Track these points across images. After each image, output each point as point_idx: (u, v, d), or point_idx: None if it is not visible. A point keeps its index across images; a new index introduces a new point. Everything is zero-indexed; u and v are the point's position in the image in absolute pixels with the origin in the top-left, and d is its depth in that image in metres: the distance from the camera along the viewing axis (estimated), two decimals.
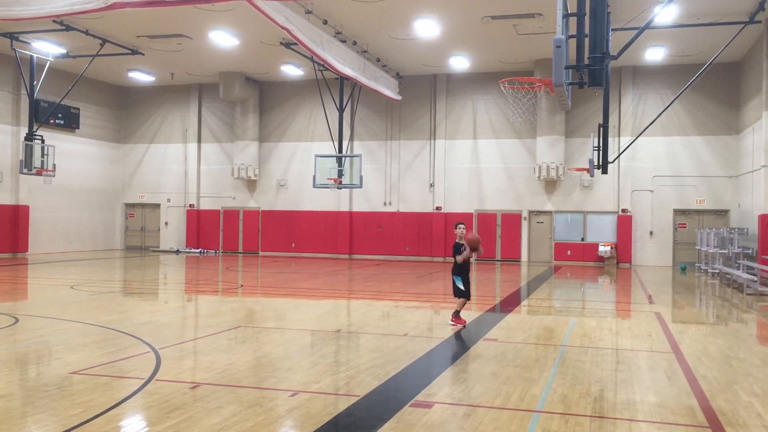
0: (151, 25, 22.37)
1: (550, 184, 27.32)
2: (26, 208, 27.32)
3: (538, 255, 27.73)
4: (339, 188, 26.68)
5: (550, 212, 27.56)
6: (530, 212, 27.79)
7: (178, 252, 30.98)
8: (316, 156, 26.33)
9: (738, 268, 18.95)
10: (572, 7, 11.55)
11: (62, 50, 25.03)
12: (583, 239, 27.21)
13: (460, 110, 28.54)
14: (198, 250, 30.90)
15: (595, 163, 19.88)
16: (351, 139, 28.83)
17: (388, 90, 26.21)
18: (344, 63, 21.45)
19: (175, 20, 21.66)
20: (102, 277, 19.15)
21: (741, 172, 24.57)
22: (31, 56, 25.30)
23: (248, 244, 31.12)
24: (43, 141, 25.99)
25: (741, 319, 13.19)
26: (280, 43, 23.21)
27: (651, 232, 26.61)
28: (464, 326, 10.84)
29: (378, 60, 25.35)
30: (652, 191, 26.55)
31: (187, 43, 24.40)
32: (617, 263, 26.27)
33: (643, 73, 26.52)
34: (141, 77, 29.96)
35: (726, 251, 20.42)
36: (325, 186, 25.98)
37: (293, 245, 30.25)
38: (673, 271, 24.20)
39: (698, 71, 19.81)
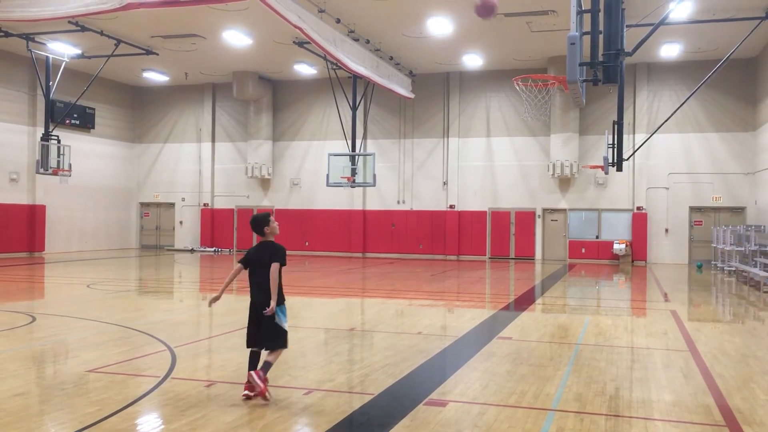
0: (165, 26, 22.48)
1: (565, 182, 27.18)
2: (42, 208, 27.57)
3: (552, 253, 27.61)
4: (352, 187, 26.69)
5: (564, 210, 27.42)
6: (544, 210, 27.66)
7: (192, 251, 31.14)
8: (330, 155, 26.36)
9: (755, 266, 18.76)
10: (586, 4, 11.48)
11: (77, 51, 25.21)
12: (597, 237, 27.06)
13: (474, 108, 28.45)
14: (212, 249, 31.05)
15: (610, 161, 19.76)
16: (364, 137, 28.82)
17: (401, 88, 26.18)
18: (357, 62, 21.45)
19: (189, 20, 21.76)
20: (118, 276, 19.28)
21: (758, 169, 24.30)
22: (47, 57, 25.52)
23: None
24: (59, 141, 26.23)
25: (758, 317, 13.08)
26: (293, 42, 23.26)
27: (666, 230, 26.40)
28: None
29: (391, 58, 25.33)
30: (667, 188, 26.34)
31: (201, 43, 24.51)
32: (632, 261, 26.09)
33: (658, 69, 26.31)
34: (155, 77, 30.12)
35: (743, 248, 20.22)
36: (339, 185, 25.99)
37: (307, 244, 30.31)
38: (688, 269, 24.00)
39: (714, 67, 19.60)
